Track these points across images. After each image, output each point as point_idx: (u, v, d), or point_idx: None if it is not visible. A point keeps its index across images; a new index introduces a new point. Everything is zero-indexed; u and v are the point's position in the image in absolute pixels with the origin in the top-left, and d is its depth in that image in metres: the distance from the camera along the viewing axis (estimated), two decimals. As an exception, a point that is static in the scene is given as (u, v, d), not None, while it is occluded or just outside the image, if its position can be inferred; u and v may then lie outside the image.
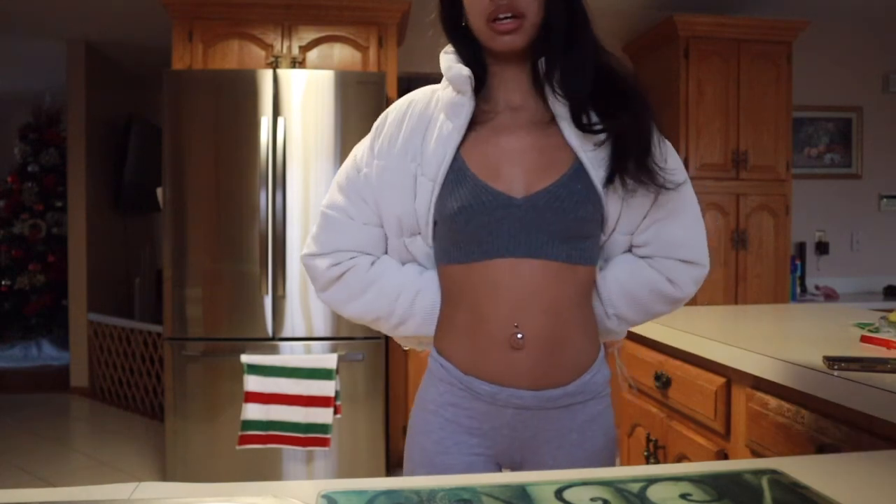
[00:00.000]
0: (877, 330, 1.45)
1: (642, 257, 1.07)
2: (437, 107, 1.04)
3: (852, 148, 4.07)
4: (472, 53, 1.03)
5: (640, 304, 1.07)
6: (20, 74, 5.32)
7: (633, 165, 0.98)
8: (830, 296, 3.83)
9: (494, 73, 1.04)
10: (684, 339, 1.61)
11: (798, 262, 3.78)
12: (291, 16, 3.11)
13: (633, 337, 1.92)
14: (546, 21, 0.98)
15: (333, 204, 1.09)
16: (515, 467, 1.06)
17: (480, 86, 1.03)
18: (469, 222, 0.98)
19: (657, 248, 1.06)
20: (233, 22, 3.09)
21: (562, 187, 0.98)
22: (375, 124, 1.09)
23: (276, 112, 2.76)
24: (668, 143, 1.06)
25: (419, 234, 1.05)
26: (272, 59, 3.09)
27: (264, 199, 2.75)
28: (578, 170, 0.99)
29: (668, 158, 1.03)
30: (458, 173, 0.99)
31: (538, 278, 0.97)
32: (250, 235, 2.76)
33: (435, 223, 1.02)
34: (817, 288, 3.90)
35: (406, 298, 1.05)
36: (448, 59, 1.04)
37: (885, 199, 4.11)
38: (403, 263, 1.09)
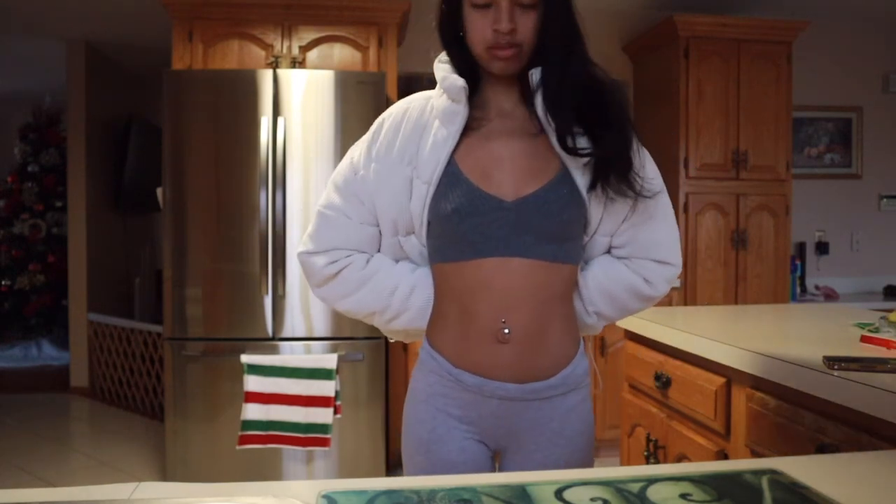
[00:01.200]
0: (877, 330, 1.45)
1: (620, 258, 1.15)
2: (431, 114, 1.10)
3: (852, 148, 4.08)
4: (466, 62, 1.07)
5: (618, 302, 1.15)
6: (20, 74, 5.33)
7: (614, 178, 1.05)
8: (830, 296, 3.83)
9: (487, 82, 1.10)
10: (684, 339, 1.61)
11: (798, 262, 3.78)
12: (291, 16, 3.11)
13: (633, 337, 1.92)
14: (541, 43, 1.03)
15: (331, 204, 1.14)
16: (501, 452, 1.14)
17: (473, 93, 1.08)
18: (461, 223, 1.03)
19: (634, 249, 1.13)
20: (233, 22, 3.09)
21: (549, 191, 1.03)
22: (372, 129, 1.15)
23: (276, 112, 2.76)
24: (646, 152, 1.13)
25: (413, 233, 1.10)
26: (272, 59, 3.09)
27: (264, 199, 2.75)
28: (565, 175, 1.05)
29: (647, 166, 1.10)
30: (451, 177, 1.05)
31: (525, 276, 1.04)
32: (250, 235, 2.76)
33: (429, 223, 1.07)
34: (817, 288, 3.90)
35: (402, 294, 1.11)
36: (443, 69, 1.09)
37: (885, 199, 4.11)
38: (396, 261, 1.15)
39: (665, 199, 1.15)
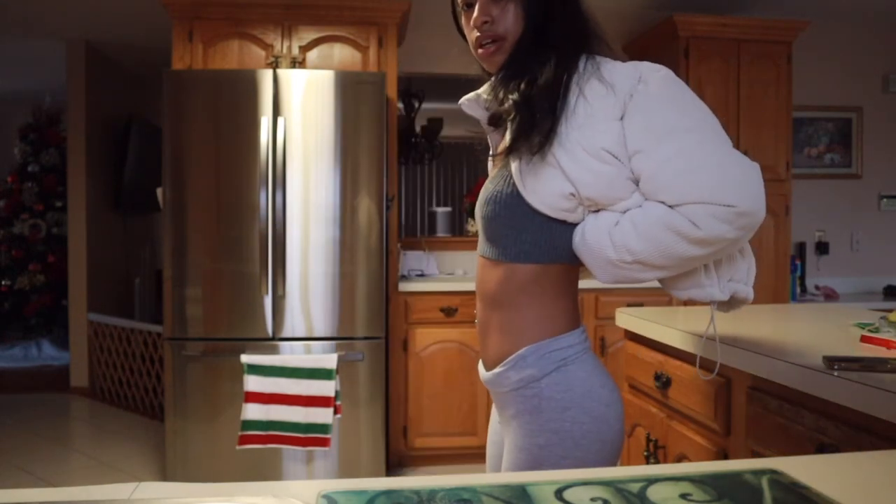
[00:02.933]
0: (877, 330, 1.45)
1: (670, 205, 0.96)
2: None
3: (852, 148, 4.07)
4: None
5: (657, 244, 0.96)
6: (20, 74, 5.33)
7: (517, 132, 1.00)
8: (830, 296, 3.83)
9: None
10: (684, 339, 1.61)
11: (798, 262, 3.78)
12: (291, 16, 3.11)
13: (633, 337, 1.92)
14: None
15: None
16: None
17: None
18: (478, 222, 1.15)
19: (647, 191, 0.97)
20: (233, 22, 3.09)
21: (486, 190, 1.08)
22: None
23: (276, 112, 2.76)
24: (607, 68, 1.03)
25: None
26: (272, 59, 3.09)
27: (264, 199, 2.75)
28: (496, 176, 1.08)
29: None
30: None
31: (480, 272, 1.12)
32: (250, 235, 2.76)
33: None
34: (817, 288, 3.90)
35: None
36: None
37: (885, 199, 4.11)
38: None
39: (642, 102, 0.97)
